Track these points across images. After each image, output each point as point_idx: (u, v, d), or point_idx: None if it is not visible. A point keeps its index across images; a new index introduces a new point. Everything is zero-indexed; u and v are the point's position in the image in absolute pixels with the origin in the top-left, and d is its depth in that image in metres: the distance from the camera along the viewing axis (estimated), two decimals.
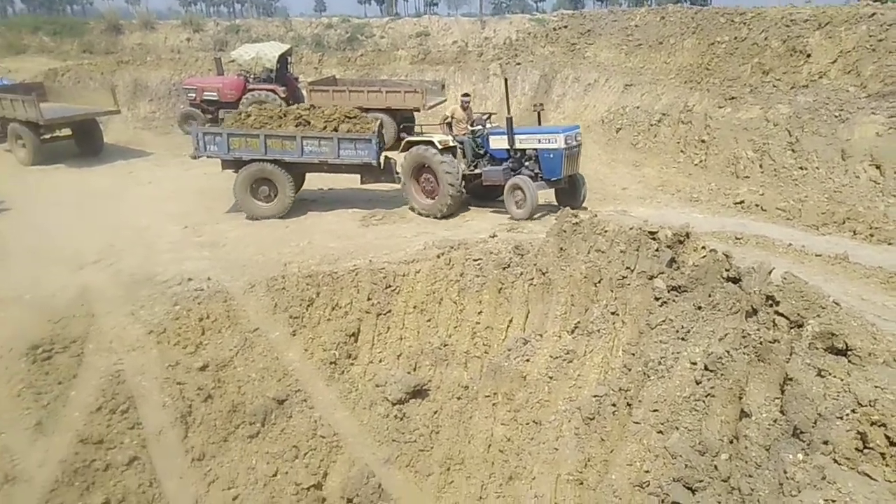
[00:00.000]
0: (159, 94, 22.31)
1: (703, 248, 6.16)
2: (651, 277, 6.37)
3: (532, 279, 7.46)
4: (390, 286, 8.31)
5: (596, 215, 7.59)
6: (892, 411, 3.24)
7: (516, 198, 10.42)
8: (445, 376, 7.43)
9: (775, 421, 4.17)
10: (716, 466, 4.46)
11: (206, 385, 7.25)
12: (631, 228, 6.87)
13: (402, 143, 11.44)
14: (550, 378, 6.41)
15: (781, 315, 4.80)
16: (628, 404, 5.55)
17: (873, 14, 13.89)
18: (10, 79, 20.55)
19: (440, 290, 8.17)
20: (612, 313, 6.46)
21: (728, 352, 5.00)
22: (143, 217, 11.25)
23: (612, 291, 6.64)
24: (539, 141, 10.54)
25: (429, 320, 8.02)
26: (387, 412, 7.26)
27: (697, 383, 5.12)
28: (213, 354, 7.59)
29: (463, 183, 10.93)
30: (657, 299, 6.14)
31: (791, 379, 4.19)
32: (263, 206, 11.24)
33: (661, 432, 5.07)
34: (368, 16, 71.39)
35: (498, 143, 11.00)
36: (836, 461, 3.13)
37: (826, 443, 3.25)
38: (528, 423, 6.31)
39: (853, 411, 3.41)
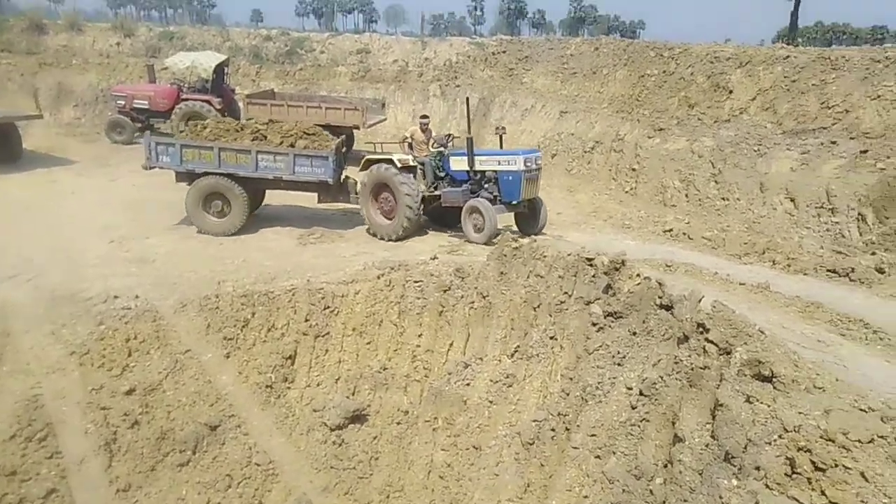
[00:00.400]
0: (85, 100, 21.35)
1: (638, 275, 6.40)
2: (588, 303, 6.55)
3: (473, 302, 7.53)
4: (329, 307, 8.19)
5: (535, 240, 7.75)
6: (815, 437, 3.45)
7: (475, 221, 10.29)
8: (385, 401, 7.37)
9: (707, 445, 4.35)
10: (651, 491, 4.61)
11: (132, 410, 6.91)
12: (569, 255, 7.07)
13: (362, 161, 11.29)
14: (491, 402, 6.47)
15: (711, 342, 5.03)
16: (567, 429, 5.66)
17: (787, 56, 14.91)
18: None
19: (380, 312, 8.12)
20: (551, 338, 6.60)
21: (662, 377, 5.20)
22: (65, 229, 10.67)
23: (550, 316, 6.78)
24: (499, 163, 10.47)
25: (368, 343, 7.95)
26: (325, 438, 7.12)
27: (633, 408, 5.28)
28: (141, 377, 7.25)
29: (422, 206, 10.76)
30: (594, 325, 6.32)
31: (721, 404, 4.39)
32: (215, 221, 10.92)
33: (598, 457, 5.20)
34: (307, 29, 70.76)
35: (458, 164, 10.89)
36: (767, 486, 3.30)
37: (758, 468, 3.42)
38: (468, 449, 6.33)
39: (780, 437, 3.60)
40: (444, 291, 7.89)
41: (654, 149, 14.53)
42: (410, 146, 11.40)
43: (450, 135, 11.65)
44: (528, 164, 10.28)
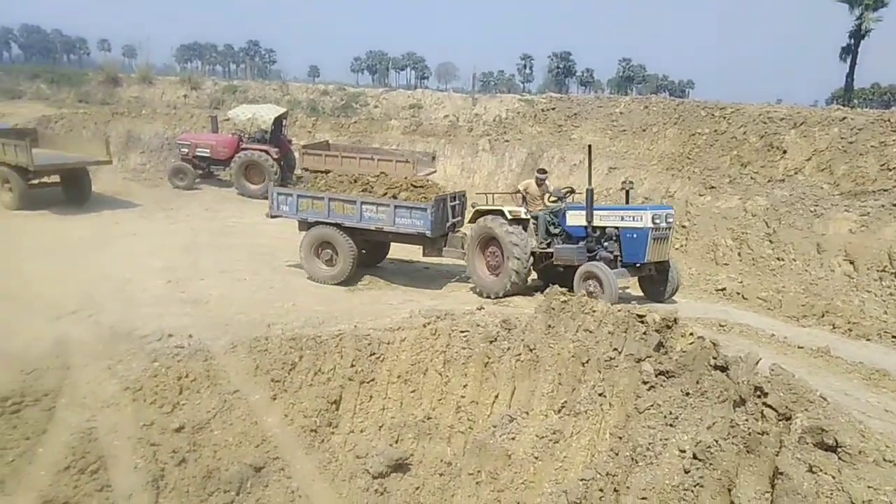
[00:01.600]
0: (151, 147, 22.53)
1: (691, 334, 6.26)
2: (639, 360, 6.41)
3: (519, 355, 7.47)
4: (374, 353, 8.24)
5: (585, 294, 7.69)
6: None
7: (589, 288, 9.01)
8: (428, 451, 7.29)
9: None
10: None
11: (180, 447, 7.02)
12: (619, 310, 6.97)
13: (472, 212, 10.86)
14: (536, 458, 6.32)
15: (770, 407, 4.84)
16: (615, 490, 5.48)
17: (844, 118, 14.70)
18: (3, 122, 20.60)
19: (425, 361, 8.12)
20: (600, 394, 6.46)
21: (717, 441, 5.01)
22: (125, 269, 11.12)
23: (599, 372, 6.66)
24: (622, 219, 9.41)
25: (413, 391, 7.93)
26: (367, 485, 7.06)
27: (686, 472, 5.09)
28: (190, 415, 7.38)
29: (532, 261, 10.02)
30: (645, 383, 6.17)
31: (781, 473, 4.20)
32: (324, 269, 11.23)
33: None
34: (361, 85, 73.47)
35: (575, 218, 9.94)
36: None
37: None
38: None
39: None
40: (491, 342, 7.85)
41: (705, 206, 14.37)
42: (524, 199, 10.82)
43: (570, 189, 10.83)
44: (657, 220, 9.14)
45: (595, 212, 9.68)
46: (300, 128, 24.83)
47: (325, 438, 7.52)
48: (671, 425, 5.59)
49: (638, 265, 9.35)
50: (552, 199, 10.65)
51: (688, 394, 5.74)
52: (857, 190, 13.20)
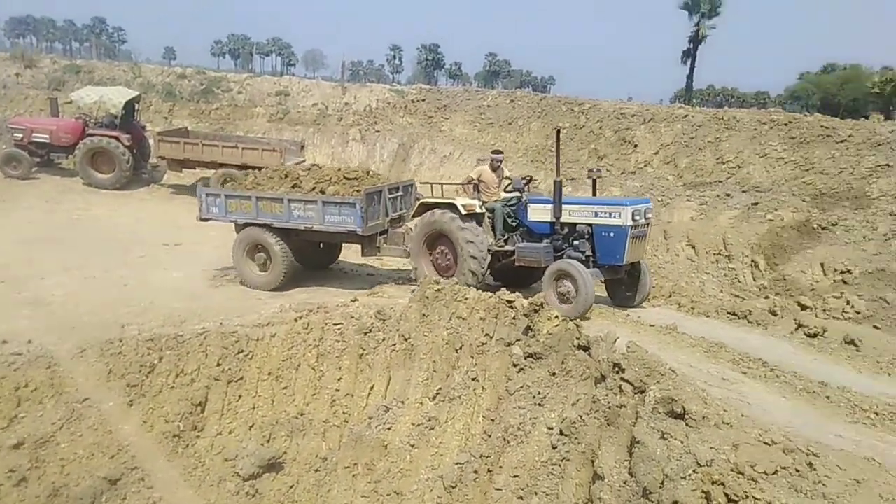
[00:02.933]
0: None
1: (556, 317, 6.57)
2: (509, 344, 6.64)
3: (394, 345, 7.46)
4: (242, 351, 7.87)
5: (457, 282, 7.82)
6: (727, 471, 3.62)
7: (562, 288, 8.02)
8: (302, 447, 7.09)
9: (626, 482, 4.46)
10: None
11: (19, 466, 6.29)
12: (490, 297, 7.18)
13: (416, 205, 9.75)
14: (412, 446, 6.36)
15: (627, 381, 5.21)
16: (489, 471, 5.64)
17: (685, 115, 16.12)
18: None
19: (297, 356, 7.88)
20: (473, 379, 6.61)
21: (581, 416, 5.31)
22: None
23: (472, 358, 6.81)
24: (596, 214, 8.32)
25: (285, 388, 7.67)
26: (237, 489, 6.73)
27: (554, 448, 5.35)
28: (31, 429, 6.65)
29: (488, 261, 8.92)
30: (515, 366, 6.40)
31: (638, 441, 4.53)
32: (258, 275, 10.31)
33: (521, 497, 5.20)
34: (222, 69, 69.85)
35: (539, 213, 8.81)
36: None
37: (675, 503, 3.53)
38: (389, 495, 6.16)
39: (694, 472, 3.75)
40: (365, 334, 7.78)
41: None
42: (477, 189, 9.46)
43: (529, 177, 9.70)
44: (637, 217, 8.12)
45: (564, 206, 8.54)
46: (155, 113, 23.16)
47: (189, 443, 7.07)
48: (540, 405, 5.84)
49: (613, 266, 8.34)
50: (509, 188, 9.51)
51: (554, 374, 6.02)
52: (696, 181, 14.56)
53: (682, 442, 4.24)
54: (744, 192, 13.60)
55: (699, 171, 14.76)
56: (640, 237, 8.30)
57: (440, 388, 6.74)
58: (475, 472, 5.67)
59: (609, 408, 5.11)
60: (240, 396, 7.61)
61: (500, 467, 5.52)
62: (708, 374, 6.17)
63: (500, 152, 9.90)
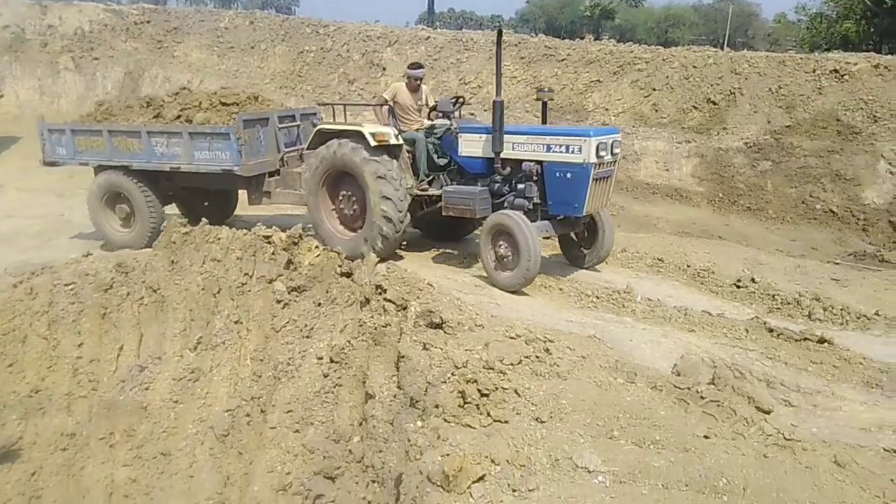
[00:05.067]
0: None
1: (317, 247, 6.48)
2: (270, 281, 6.42)
3: (142, 298, 6.78)
4: None
5: (208, 222, 7.25)
6: (479, 368, 3.95)
7: (502, 251, 6.38)
8: (42, 427, 6.21)
9: (395, 396, 4.67)
10: (350, 451, 4.78)
11: None
12: (245, 234, 6.81)
13: (313, 134, 7.48)
14: (176, 402, 5.95)
15: (390, 301, 5.37)
16: (262, 411, 5.53)
17: (428, 37, 16.53)
18: None
19: (23, 327, 6.77)
20: (236, 322, 6.32)
21: (349, 342, 5.39)
22: None
23: (233, 300, 6.48)
24: (549, 148, 6.47)
25: (10, 365, 6.58)
26: None
27: (325, 376, 5.39)
28: None
29: (407, 208, 7.03)
30: (279, 302, 6.24)
31: (403, 356, 4.74)
32: (119, 231, 8.21)
33: (297, 431, 5.20)
34: None
35: (474, 145, 6.98)
36: (445, 420, 3.67)
37: (437, 406, 3.78)
38: (155, 458, 5.74)
39: (452, 374, 4.03)
40: (106, 291, 6.93)
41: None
42: (392, 113, 7.43)
43: (459, 98, 7.70)
44: (602, 152, 6.29)
45: (507, 137, 6.66)
46: None
47: None
48: (308, 337, 5.80)
49: (568, 218, 6.69)
50: (435, 114, 7.57)
51: (320, 304, 5.99)
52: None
53: (441, 349, 4.52)
54: (485, 111, 14.53)
55: (444, 92, 15.37)
56: (604, 178, 6.55)
57: (201, 337, 6.34)
58: (247, 415, 5.52)
59: (375, 328, 5.25)
60: None
61: (273, 406, 5.44)
62: (462, 283, 6.64)
63: (420, 66, 7.81)
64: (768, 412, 3.98)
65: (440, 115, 7.38)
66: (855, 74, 11.93)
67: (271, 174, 8.24)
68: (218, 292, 6.53)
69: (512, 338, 4.49)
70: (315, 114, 9.12)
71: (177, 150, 7.89)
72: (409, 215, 7.10)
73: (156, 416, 5.94)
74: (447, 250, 7.96)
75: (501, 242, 6.37)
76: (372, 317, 5.38)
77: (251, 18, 19.49)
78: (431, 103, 7.78)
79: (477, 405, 3.70)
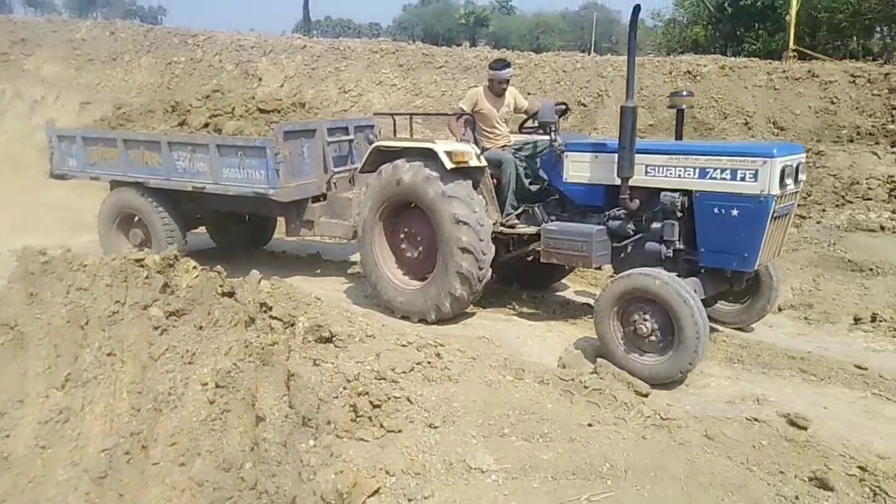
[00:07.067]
0: None
1: (194, 267, 6.16)
2: (146, 307, 6.03)
3: None
4: None
5: (69, 250, 6.69)
6: (371, 379, 3.92)
7: (642, 326, 4.52)
8: None
9: (287, 416, 4.52)
10: (242, 478, 4.57)
11: None
12: (114, 259, 6.36)
13: (369, 152, 5.87)
14: (43, 448, 5.43)
15: (276, 318, 5.20)
16: (143, 447, 5.17)
17: (304, 46, 16.27)
18: None
19: None
20: (109, 354, 5.87)
21: (235, 364, 5.16)
22: None
23: (104, 331, 6.01)
24: (704, 173, 4.64)
25: None
26: None
27: (211, 403, 5.12)
28: None
29: (492, 254, 5.44)
30: (156, 328, 5.87)
31: (293, 374, 4.60)
32: None
33: (183, 465, 4.90)
34: None
35: (584, 168, 5.25)
36: (338, 436, 3.59)
37: (329, 423, 3.70)
38: None
39: (344, 388, 3.97)
40: None
41: None
42: (472, 127, 5.88)
43: (564, 105, 5.98)
44: (788, 179, 4.51)
45: (640, 156, 4.83)
46: None
47: None
48: (190, 363, 5.49)
49: (724, 272, 4.87)
50: (531, 124, 6.01)
51: (201, 327, 5.69)
52: (323, 112, 14.95)
53: (332, 364, 4.44)
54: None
55: (325, 101, 15.16)
56: (783, 216, 4.78)
57: (69, 374, 5.83)
58: (126, 453, 5.15)
59: (262, 348, 5.06)
60: None
61: (155, 440, 5.10)
62: (354, 296, 6.56)
63: (508, 64, 5.96)
64: (646, 395, 4.23)
65: (540, 126, 5.56)
66: (705, 75, 13.02)
67: (315, 199, 6.87)
68: (86, 324, 6.04)
69: (403, 345, 4.49)
70: (373, 126, 7.60)
71: (201, 165, 6.52)
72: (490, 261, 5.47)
73: (20, 465, 5.39)
74: (332, 259, 7.86)
75: (643, 315, 4.51)
76: (258, 336, 5.19)
77: (111, 29, 18.36)
78: (522, 110, 6.17)
79: (370, 417, 3.66)
